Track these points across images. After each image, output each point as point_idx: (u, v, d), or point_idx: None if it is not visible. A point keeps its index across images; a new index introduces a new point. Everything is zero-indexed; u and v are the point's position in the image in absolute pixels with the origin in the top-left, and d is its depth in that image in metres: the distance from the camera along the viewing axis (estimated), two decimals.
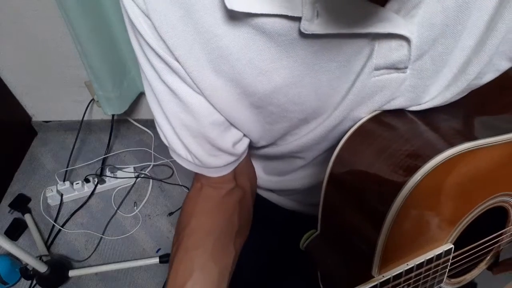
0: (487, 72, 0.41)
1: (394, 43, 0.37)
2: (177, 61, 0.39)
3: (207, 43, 0.37)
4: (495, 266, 0.52)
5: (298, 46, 0.36)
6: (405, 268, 0.39)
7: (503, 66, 0.41)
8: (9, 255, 1.20)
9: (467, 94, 0.44)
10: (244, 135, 0.49)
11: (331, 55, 0.37)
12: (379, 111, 0.44)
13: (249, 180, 0.59)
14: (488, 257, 0.51)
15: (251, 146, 0.54)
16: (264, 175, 0.63)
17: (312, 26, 0.33)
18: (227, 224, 0.53)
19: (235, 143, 0.49)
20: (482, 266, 0.51)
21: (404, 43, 0.36)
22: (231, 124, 0.46)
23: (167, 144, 0.50)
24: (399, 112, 0.44)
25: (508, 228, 0.48)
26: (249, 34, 0.36)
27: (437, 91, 0.42)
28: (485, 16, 0.36)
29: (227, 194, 0.54)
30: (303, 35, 0.35)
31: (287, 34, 0.35)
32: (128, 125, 1.59)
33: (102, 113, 1.40)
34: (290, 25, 0.34)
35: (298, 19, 0.33)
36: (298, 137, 0.47)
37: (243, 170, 0.56)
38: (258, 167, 0.63)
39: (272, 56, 0.37)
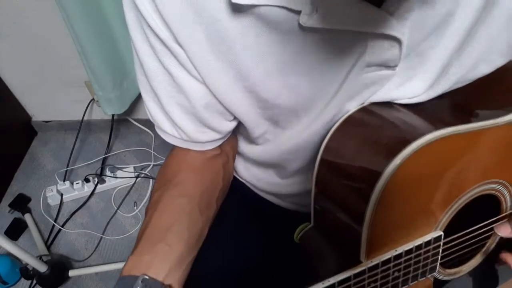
0: (469, 77, 0.43)
1: (386, 43, 0.38)
2: (178, 43, 0.40)
3: (208, 26, 0.38)
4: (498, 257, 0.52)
5: (294, 35, 0.37)
6: (394, 254, 0.39)
7: (485, 71, 0.43)
8: (9, 255, 1.20)
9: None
10: (235, 118, 0.50)
11: (325, 49, 0.39)
12: (365, 103, 0.45)
13: (232, 149, 0.61)
14: (485, 248, 0.51)
15: (250, 143, 0.55)
16: (264, 178, 0.64)
17: (310, 20, 0.35)
18: (213, 181, 0.55)
19: (225, 123, 0.50)
20: (479, 257, 0.51)
21: (395, 44, 0.38)
22: (226, 109, 0.47)
23: (152, 121, 0.51)
24: (386, 102, 0.45)
25: (500, 216, 0.48)
26: (249, 21, 0.37)
27: (422, 89, 0.44)
28: (468, 21, 0.38)
29: (212, 157, 0.55)
30: (300, 27, 0.36)
31: (285, 24, 0.37)
32: (128, 125, 1.59)
33: (102, 113, 1.40)
34: (289, 16, 0.36)
35: (298, 12, 0.35)
36: (295, 133, 0.48)
37: (227, 139, 0.57)
38: (259, 169, 0.64)
39: (268, 41, 0.38)
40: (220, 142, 0.54)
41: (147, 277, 0.42)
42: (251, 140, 0.56)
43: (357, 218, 0.38)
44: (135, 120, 1.56)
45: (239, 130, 0.59)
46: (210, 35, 0.38)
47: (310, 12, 0.34)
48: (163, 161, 1.51)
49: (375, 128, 0.41)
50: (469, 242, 0.47)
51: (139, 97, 1.44)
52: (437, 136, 0.36)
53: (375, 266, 0.39)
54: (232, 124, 0.52)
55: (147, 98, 0.48)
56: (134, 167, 1.48)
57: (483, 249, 0.50)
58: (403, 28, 0.37)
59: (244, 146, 0.61)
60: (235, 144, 0.62)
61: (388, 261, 0.39)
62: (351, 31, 0.36)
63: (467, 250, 0.48)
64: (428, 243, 0.41)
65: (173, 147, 0.55)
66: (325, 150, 0.44)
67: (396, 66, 0.40)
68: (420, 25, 0.37)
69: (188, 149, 0.53)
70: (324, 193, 0.45)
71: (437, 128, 0.37)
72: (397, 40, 0.37)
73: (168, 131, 0.50)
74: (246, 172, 0.67)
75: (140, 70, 0.46)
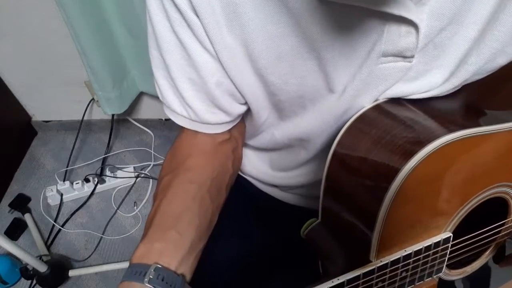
0: (486, 69, 0.42)
1: (403, 29, 0.37)
2: (195, 13, 0.39)
3: None
4: (502, 259, 0.52)
5: (310, 17, 0.37)
6: (403, 254, 0.39)
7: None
8: (9, 255, 1.20)
9: (466, 85, 0.44)
10: (245, 102, 0.49)
11: (340, 32, 0.38)
12: (380, 100, 0.44)
13: (240, 134, 0.60)
14: (490, 249, 0.51)
15: (255, 128, 0.55)
16: (270, 171, 0.64)
17: None
18: (223, 167, 0.54)
19: (236, 106, 0.49)
20: (483, 258, 0.51)
21: (412, 30, 0.37)
22: (237, 88, 0.46)
23: (162, 100, 0.50)
24: (400, 101, 0.44)
25: (508, 219, 0.48)
26: None
27: (438, 83, 0.43)
28: (488, 7, 0.37)
29: (222, 142, 0.54)
30: (317, 6, 0.36)
31: (302, 2, 0.36)
32: (128, 124, 1.59)
33: (102, 113, 1.40)
34: None
35: None
36: (303, 122, 0.48)
37: (235, 125, 0.56)
38: (265, 162, 0.64)
39: (283, 22, 0.38)
40: (229, 126, 0.53)
41: (160, 266, 0.41)
42: (256, 126, 0.55)
43: (369, 217, 0.38)
44: (135, 120, 1.56)
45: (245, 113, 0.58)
46: (226, 7, 0.38)
47: None
48: (163, 161, 1.51)
49: (389, 127, 0.41)
50: (476, 244, 0.47)
51: (139, 97, 1.44)
52: (451, 138, 0.36)
53: (384, 266, 0.39)
54: (243, 108, 0.51)
55: (158, 74, 0.47)
56: (134, 167, 1.48)
57: (488, 251, 0.51)
58: (421, 14, 0.36)
59: (249, 133, 0.60)
60: (243, 129, 0.61)
61: (397, 261, 0.39)
62: (368, 11, 0.36)
63: (473, 252, 0.48)
64: (437, 244, 0.41)
65: (181, 130, 0.54)
66: (337, 146, 0.44)
67: (412, 56, 0.40)
68: (438, 11, 0.36)
69: (197, 132, 0.51)
70: (334, 190, 0.45)
71: (451, 130, 0.37)
72: (415, 26, 0.37)
73: (177, 111, 0.49)
74: (245, 159, 0.66)
75: (153, 44, 0.45)
